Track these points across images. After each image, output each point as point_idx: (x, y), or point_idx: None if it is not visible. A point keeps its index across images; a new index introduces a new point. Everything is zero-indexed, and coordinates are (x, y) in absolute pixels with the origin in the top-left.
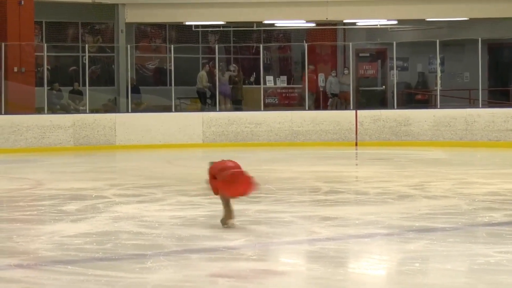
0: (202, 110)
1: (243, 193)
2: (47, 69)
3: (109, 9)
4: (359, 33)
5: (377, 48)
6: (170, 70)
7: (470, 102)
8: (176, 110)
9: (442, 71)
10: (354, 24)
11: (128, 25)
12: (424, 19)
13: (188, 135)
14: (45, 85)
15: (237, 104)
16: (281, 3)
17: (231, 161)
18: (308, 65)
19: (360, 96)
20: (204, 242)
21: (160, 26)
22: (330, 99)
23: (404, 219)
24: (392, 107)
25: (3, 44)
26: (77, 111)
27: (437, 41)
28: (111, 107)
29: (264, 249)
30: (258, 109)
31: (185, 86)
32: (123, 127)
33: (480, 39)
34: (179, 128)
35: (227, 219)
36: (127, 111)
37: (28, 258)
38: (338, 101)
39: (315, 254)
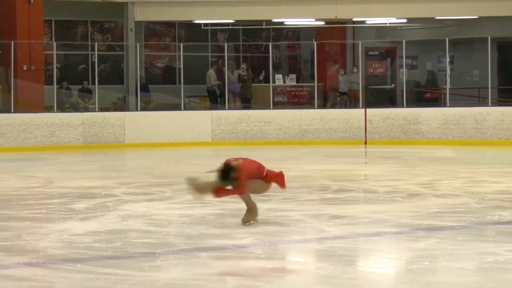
0: (211, 108)
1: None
2: (57, 67)
3: (118, 7)
4: (368, 32)
5: (386, 47)
6: (179, 69)
7: (480, 100)
8: (185, 109)
9: (451, 70)
10: (363, 22)
11: (138, 23)
12: (433, 18)
13: (197, 133)
14: (55, 84)
15: (246, 102)
16: (290, 1)
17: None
18: (332, 62)
19: (369, 95)
20: (213, 240)
21: (170, 25)
22: (339, 98)
23: (413, 218)
24: (402, 106)
25: (12, 42)
26: (86, 109)
27: (447, 39)
28: (121, 106)
29: (273, 248)
30: (267, 108)
31: (194, 85)
32: (133, 125)
33: (489, 37)
34: (188, 127)
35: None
36: (137, 110)
37: (38, 257)
38: (347, 100)
39: (324, 253)
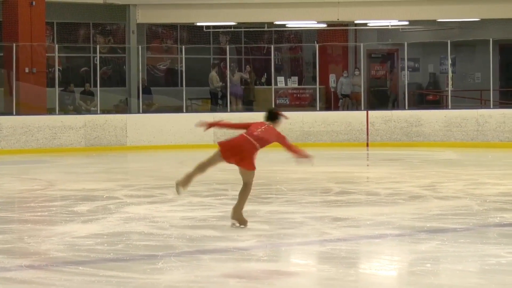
0: (213, 110)
1: None
2: (59, 69)
3: (120, 9)
4: (370, 34)
5: (388, 49)
6: (181, 71)
7: (482, 102)
8: (187, 111)
9: (453, 72)
10: (365, 24)
11: (140, 25)
12: (435, 20)
13: (199, 136)
14: (57, 86)
15: (249, 104)
16: (292, 3)
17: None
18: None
19: (371, 97)
20: (215, 242)
21: (172, 27)
22: (341, 100)
23: (415, 220)
24: (404, 108)
25: (14, 44)
26: (88, 112)
27: (448, 41)
28: (123, 108)
29: (275, 250)
30: None
31: (196, 87)
32: (134, 128)
33: (491, 39)
34: (190, 129)
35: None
36: (138, 112)
37: (39, 259)
38: (349, 102)
39: (326, 255)
